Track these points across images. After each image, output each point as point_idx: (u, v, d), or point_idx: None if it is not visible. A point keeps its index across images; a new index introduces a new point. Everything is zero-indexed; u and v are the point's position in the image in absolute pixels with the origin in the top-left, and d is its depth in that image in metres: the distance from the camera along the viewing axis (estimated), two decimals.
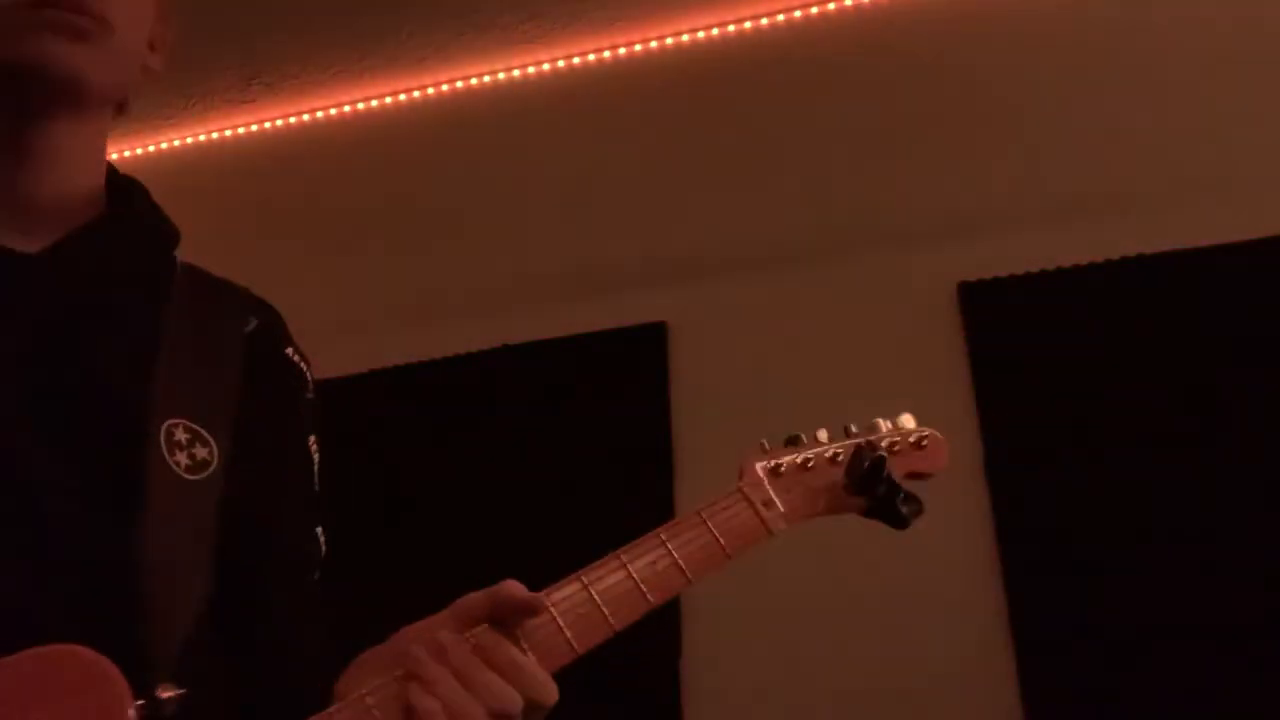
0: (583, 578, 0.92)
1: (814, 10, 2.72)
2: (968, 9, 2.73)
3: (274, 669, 0.98)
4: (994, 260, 2.99)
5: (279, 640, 0.99)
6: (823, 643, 2.76)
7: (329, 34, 3.06)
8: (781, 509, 1.06)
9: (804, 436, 1.12)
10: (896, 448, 1.14)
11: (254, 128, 3.28)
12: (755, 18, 2.76)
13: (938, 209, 3.04)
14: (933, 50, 2.79)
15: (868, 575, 2.81)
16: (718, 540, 1.00)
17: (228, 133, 3.31)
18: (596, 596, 0.91)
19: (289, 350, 1.07)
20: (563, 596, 0.91)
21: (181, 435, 0.91)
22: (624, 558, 0.94)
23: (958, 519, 2.79)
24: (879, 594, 2.77)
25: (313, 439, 1.07)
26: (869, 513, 1.11)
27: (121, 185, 1.02)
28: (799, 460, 1.09)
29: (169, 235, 1.03)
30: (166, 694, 0.82)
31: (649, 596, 0.93)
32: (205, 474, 0.91)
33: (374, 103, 3.29)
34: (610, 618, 0.91)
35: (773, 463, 1.08)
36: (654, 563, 0.95)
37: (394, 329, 3.20)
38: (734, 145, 2.99)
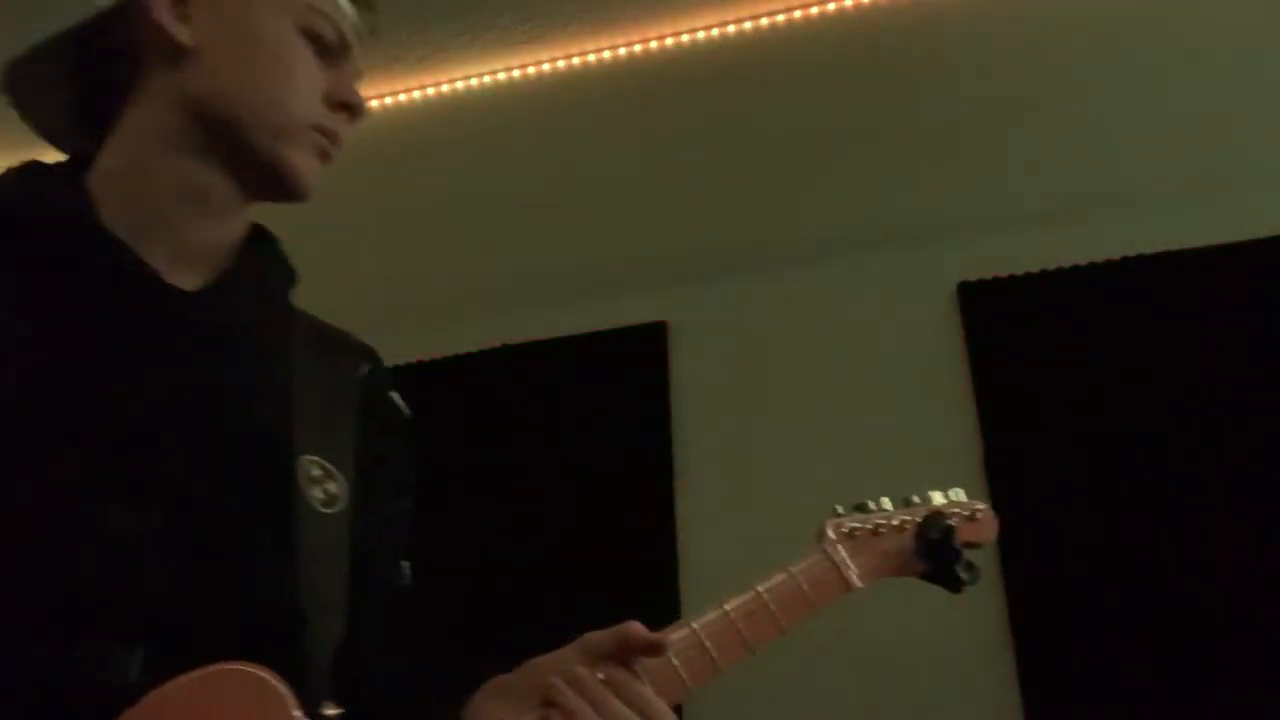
0: (692, 623, 1.03)
1: (814, 10, 2.71)
2: (968, 9, 2.73)
3: (378, 695, 1.04)
4: (994, 260, 3.00)
5: (381, 668, 1.05)
6: (822, 641, 2.76)
7: None
8: (857, 569, 1.19)
9: (870, 504, 1.24)
10: (955, 520, 1.26)
11: None
12: (755, 17, 2.76)
13: (938, 209, 3.04)
14: (932, 50, 2.78)
15: None
16: (805, 592, 1.12)
17: None
18: (704, 639, 1.02)
19: (394, 395, 1.16)
20: (677, 638, 1.00)
21: (316, 471, 0.98)
22: (725, 605, 1.06)
23: None
24: (878, 592, 2.77)
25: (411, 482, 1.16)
26: (929, 576, 1.23)
27: (255, 226, 1.09)
28: (870, 526, 1.22)
29: (290, 275, 1.11)
30: (330, 712, 0.89)
31: (748, 641, 1.05)
32: (337, 509, 0.98)
33: (374, 103, 3.29)
34: (716, 658, 1.02)
35: (847, 527, 1.21)
36: (752, 611, 1.07)
37: (394, 329, 3.19)
38: (734, 145, 2.99)
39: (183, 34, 0.97)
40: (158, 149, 0.98)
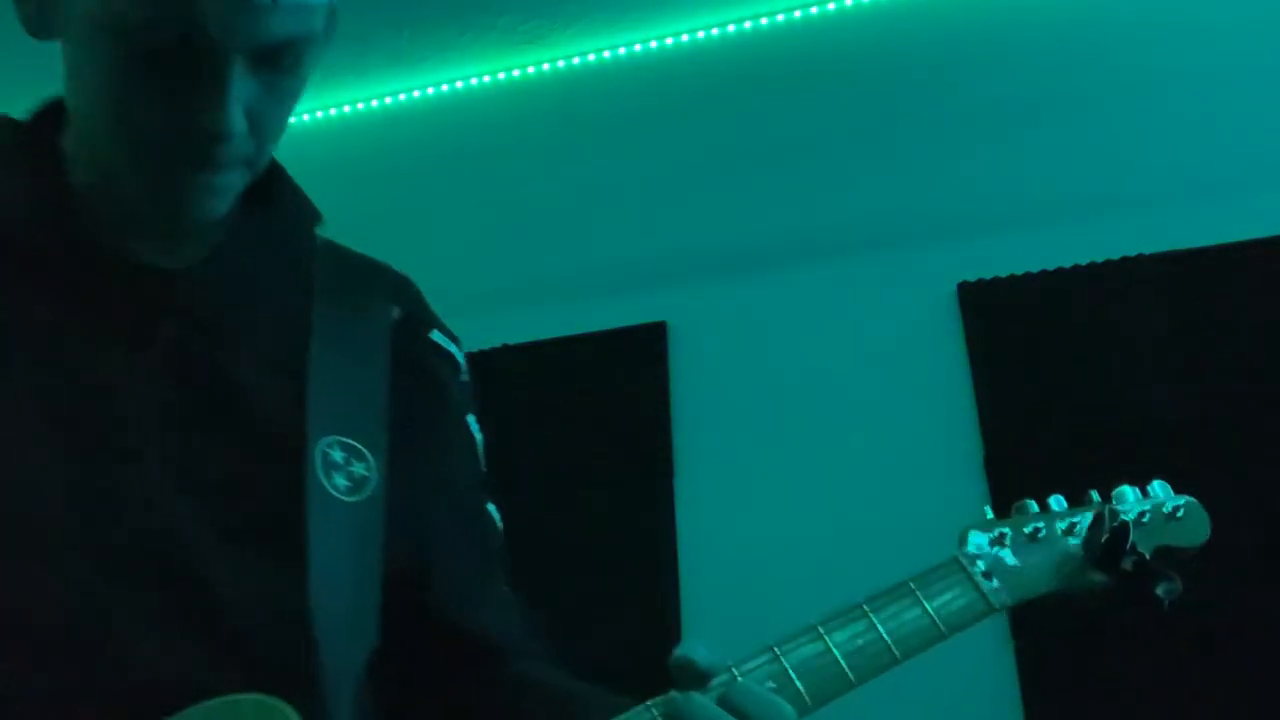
0: (775, 648, 0.81)
1: (814, 10, 2.72)
2: (967, 9, 2.74)
3: (482, 655, 0.93)
4: (994, 260, 3.00)
5: (480, 625, 0.93)
6: None
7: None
8: (1001, 582, 0.93)
9: (1035, 503, 0.99)
10: (1146, 518, 1.00)
11: None
12: (755, 18, 2.76)
13: (938, 209, 3.04)
14: (932, 50, 2.79)
15: (870, 578, 2.80)
16: (932, 619, 0.89)
17: None
18: (790, 670, 0.80)
19: (435, 334, 1.01)
20: (752, 667, 0.80)
21: (337, 454, 0.86)
22: (822, 629, 0.83)
23: (958, 519, 2.79)
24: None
25: (472, 418, 1.04)
26: (1114, 593, 0.96)
27: (268, 168, 0.93)
28: (1026, 529, 0.95)
29: (311, 218, 0.96)
30: None
31: (850, 675, 0.83)
32: (366, 493, 0.86)
33: (374, 103, 3.29)
34: (806, 696, 0.81)
35: (996, 531, 0.95)
36: (856, 636, 0.85)
37: None
38: (734, 145, 2.99)
39: (42, 34, 0.82)
40: (83, 124, 0.83)
